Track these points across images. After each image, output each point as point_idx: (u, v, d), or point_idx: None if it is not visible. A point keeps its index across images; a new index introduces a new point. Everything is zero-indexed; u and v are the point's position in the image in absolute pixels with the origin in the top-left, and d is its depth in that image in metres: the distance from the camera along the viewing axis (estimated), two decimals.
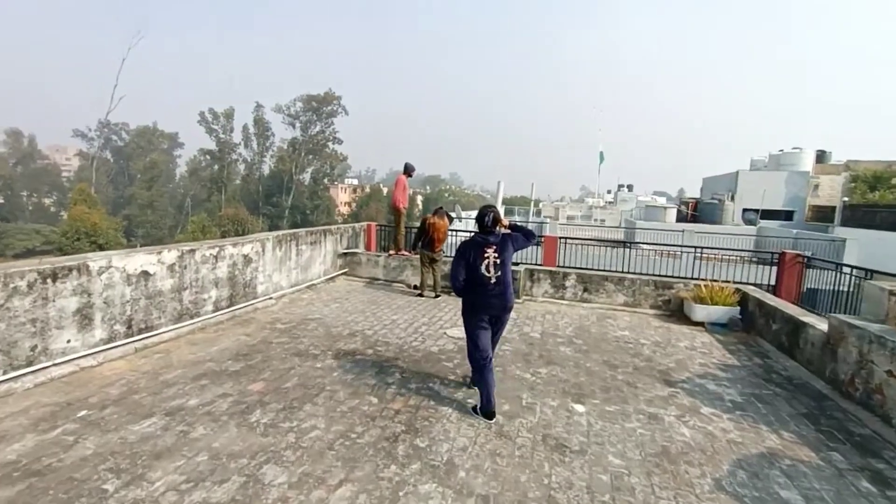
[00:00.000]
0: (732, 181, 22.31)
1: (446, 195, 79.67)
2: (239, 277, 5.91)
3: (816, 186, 21.28)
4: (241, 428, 3.12)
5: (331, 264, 8.37)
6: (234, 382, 3.84)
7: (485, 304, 3.58)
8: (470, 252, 3.61)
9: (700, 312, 6.38)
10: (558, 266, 8.64)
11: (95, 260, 4.14)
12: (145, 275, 4.59)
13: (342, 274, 8.67)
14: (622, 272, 7.73)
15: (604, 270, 8.08)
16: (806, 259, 7.30)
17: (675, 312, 6.98)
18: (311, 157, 58.89)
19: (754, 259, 9.65)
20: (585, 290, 7.44)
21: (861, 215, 16.27)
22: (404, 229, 8.62)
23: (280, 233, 6.97)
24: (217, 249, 5.53)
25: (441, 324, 5.99)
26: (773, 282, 7.74)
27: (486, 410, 3.45)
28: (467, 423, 3.36)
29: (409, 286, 8.20)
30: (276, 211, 58.23)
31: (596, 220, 37.88)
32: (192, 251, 5.18)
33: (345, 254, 8.77)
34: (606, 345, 5.44)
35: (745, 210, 19.63)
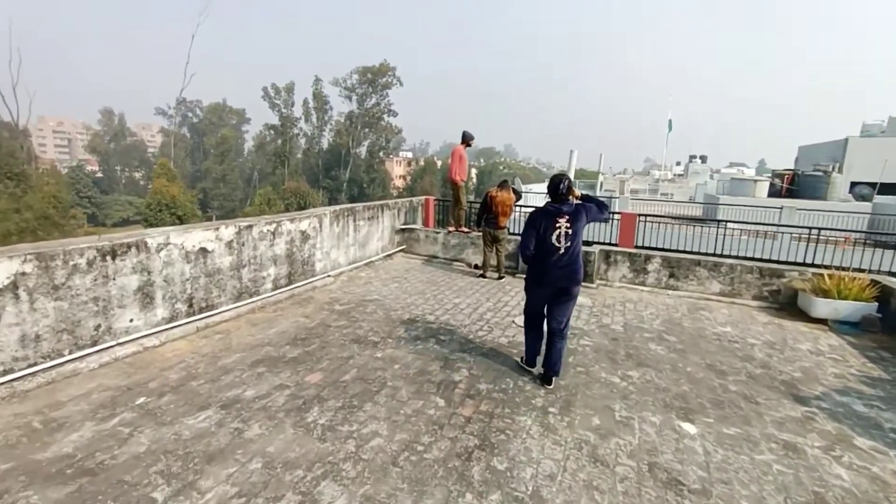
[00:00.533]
0: (839, 149, 19.08)
1: (501, 168, 77.49)
2: (297, 254, 5.69)
3: None
4: (298, 429, 2.81)
5: (388, 241, 8.04)
6: (291, 371, 3.57)
7: (551, 277, 3.45)
8: (541, 221, 3.47)
9: (823, 307, 5.30)
10: (637, 247, 7.70)
11: (154, 237, 3.98)
12: (203, 252, 4.43)
13: (400, 251, 8.32)
14: (718, 255, 6.66)
15: (695, 253, 7.05)
16: None
17: (786, 306, 5.91)
18: (366, 130, 59.33)
19: (871, 241, 8.00)
20: (672, 275, 6.52)
21: None
22: (465, 204, 8.03)
23: (337, 208, 6.67)
24: (274, 225, 5.30)
25: (507, 310, 5.44)
26: None
27: (530, 363, 3.77)
28: (552, 441, 2.83)
29: (469, 265, 7.70)
30: (335, 184, 59.81)
31: (664, 194, 35.13)
32: (250, 227, 4.97)
33: (402, 230, 8.39)
34: (706, 343, 4.63)
35: (854, 183, 16.71)
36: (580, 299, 5.50)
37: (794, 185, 16.78)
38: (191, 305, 4.34)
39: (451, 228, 8.03)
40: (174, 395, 3.15)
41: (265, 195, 33.68)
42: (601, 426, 3.02)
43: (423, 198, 9.22)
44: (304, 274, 5.85)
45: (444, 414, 3.06)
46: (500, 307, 5.54)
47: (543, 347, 3.62)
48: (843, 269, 5.59)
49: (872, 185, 16.27)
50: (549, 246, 3.40)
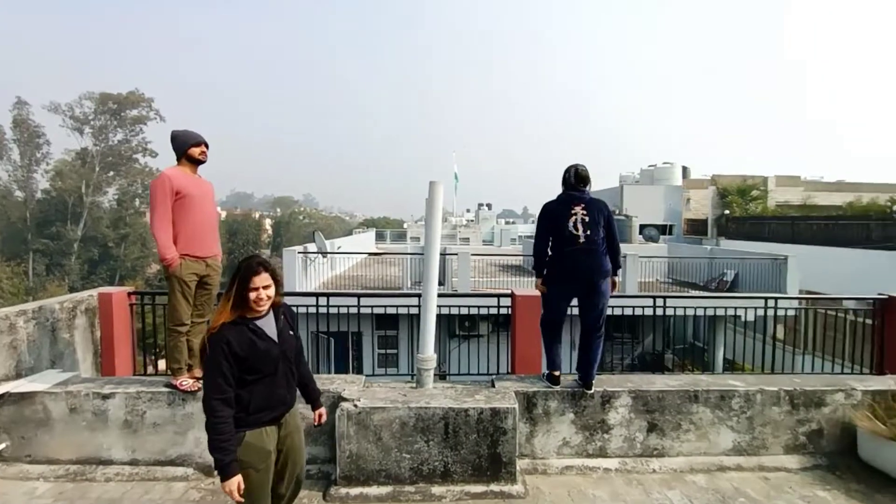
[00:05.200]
0: (616, 196, 21.88)
1: (301, 217, 70.39)
2: None
3: (688, 200, 22.21)
4: None
5: None
6: None
7: (573, 268, 3.05)
8: (555, 210, 3.12)
9: None
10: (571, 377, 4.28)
11: None
12: None
13: None
14: (719, 382, 3.76)
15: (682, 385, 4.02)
16: None
17: (839, 460, 3.26)
18: (111, 173, 45.15)
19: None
20: (652, 427, 3.26)
21: (748, 227, 16.63)
22: (186, 316, 3.14)
23: None
24: None
25: None
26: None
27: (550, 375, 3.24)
28: None
29: (202, 474, 2.92)
30: (58, 245, 42.81)
31: (462, 239, 36.56)
32: None
33: (4, 396, 2.98)
34: None
35: (643, 226, 18.84)
36: None
37: None
38: None
39: (176, 378, 3.06)
40: None
41: None
42: None
43: (96, 291, 3.90)
44: None
45: None
46: None
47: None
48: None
49: (658, 227, 18.53)
50: (567, 235, 3.04)
